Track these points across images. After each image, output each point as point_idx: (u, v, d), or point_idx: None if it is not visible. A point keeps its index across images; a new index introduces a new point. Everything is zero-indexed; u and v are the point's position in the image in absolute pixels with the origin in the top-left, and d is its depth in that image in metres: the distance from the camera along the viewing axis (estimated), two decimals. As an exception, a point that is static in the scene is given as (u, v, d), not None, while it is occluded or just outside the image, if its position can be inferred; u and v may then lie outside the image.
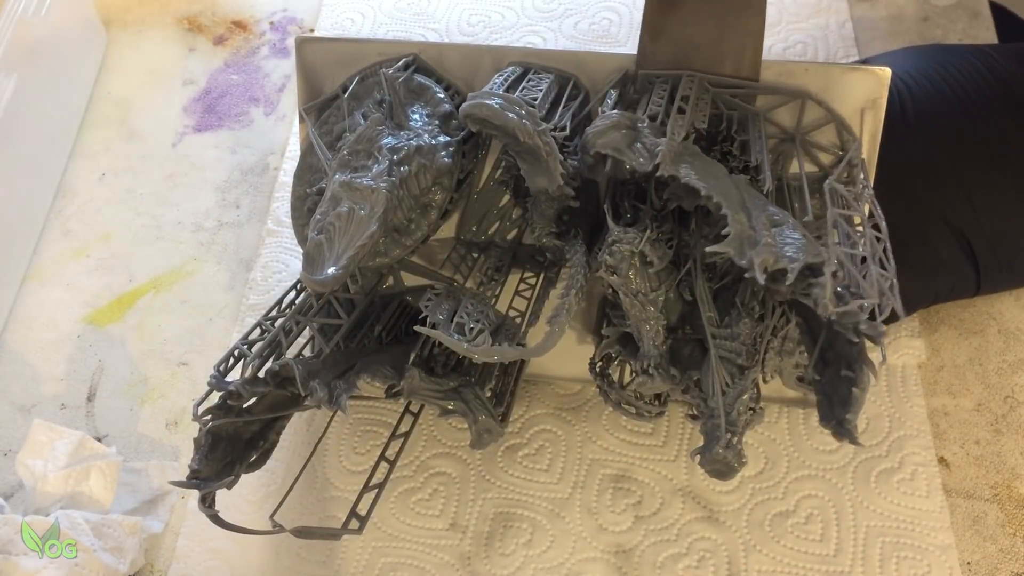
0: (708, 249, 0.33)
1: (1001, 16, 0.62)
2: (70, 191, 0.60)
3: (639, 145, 0.36)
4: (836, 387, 0.34)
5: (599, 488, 0.47)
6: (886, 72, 0.42)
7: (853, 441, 0.33)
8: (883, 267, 0.34)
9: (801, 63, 0.43)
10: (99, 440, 0.49)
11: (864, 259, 0.34)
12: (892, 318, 0.33)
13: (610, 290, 0.38)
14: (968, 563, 0.44)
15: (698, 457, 0.36)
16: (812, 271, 0.32)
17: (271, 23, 0.68)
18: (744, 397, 0.36)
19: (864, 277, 0.33)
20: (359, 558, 0.45)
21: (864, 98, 0.43)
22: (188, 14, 0.69)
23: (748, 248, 0.32)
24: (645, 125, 0.37)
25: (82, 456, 0.45)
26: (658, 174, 0.35)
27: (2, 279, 0.55)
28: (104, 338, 0.54)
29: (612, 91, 0.42)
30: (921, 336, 0.50)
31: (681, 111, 0.38)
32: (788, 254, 0.32)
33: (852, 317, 0.31)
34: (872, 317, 0.32)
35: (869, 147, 0.43)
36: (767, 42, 0.63)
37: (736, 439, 0.35)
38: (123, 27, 0.68)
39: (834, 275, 0.31)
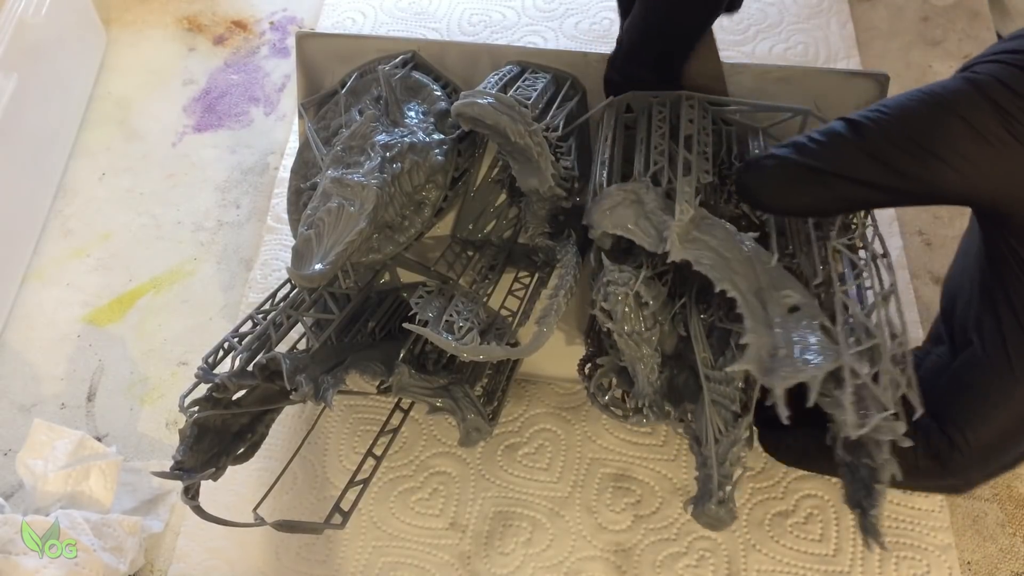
0: (729, 368, 0.32)
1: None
2: (70, 191, 0.60)
3: (645, 222, 0.35)
4: (858, 469, 0.32)
5: (599, 487, 0.47)
6: (885, 78, 0.42)
7: (877, 540, 0.31)
8: (900, 361, 0.32)
9: (801, 68, 0.43)
10: (99, 440, 0.49)
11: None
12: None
13: (606, 325, 0.37)
14: (968, 563, 0.44)
15: (691, 508, 0.35)
16: (828, 378, 0.31)
17: (271, 23, 0.68)
18: (736, 448, 0.34)
19: (876, 378, 0.31)
20: (359, 557, 0.45)
21: (864, 104, 0.42)
22: (188, 14, 0.69)
23: (768, 361, 0.31)
24: (650, 192, 0.35)
25: (82, 456, 0.45)
26: (668, 260, 0.34)
27: (2, 279, 0.55)
28: (104, 338, 0.54)
29: (607, 113, 0.41)
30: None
31: (687, 169, 0.36)
32: (809, 364, 0.31)
33: (877, 433, 0.30)
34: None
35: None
36: (768, 43, 0.63)
37: (729, 494, 0.34)
38: (123, 27, 0.68)
39: (854, 395, 0.30)
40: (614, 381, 0.40)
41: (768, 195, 0.33)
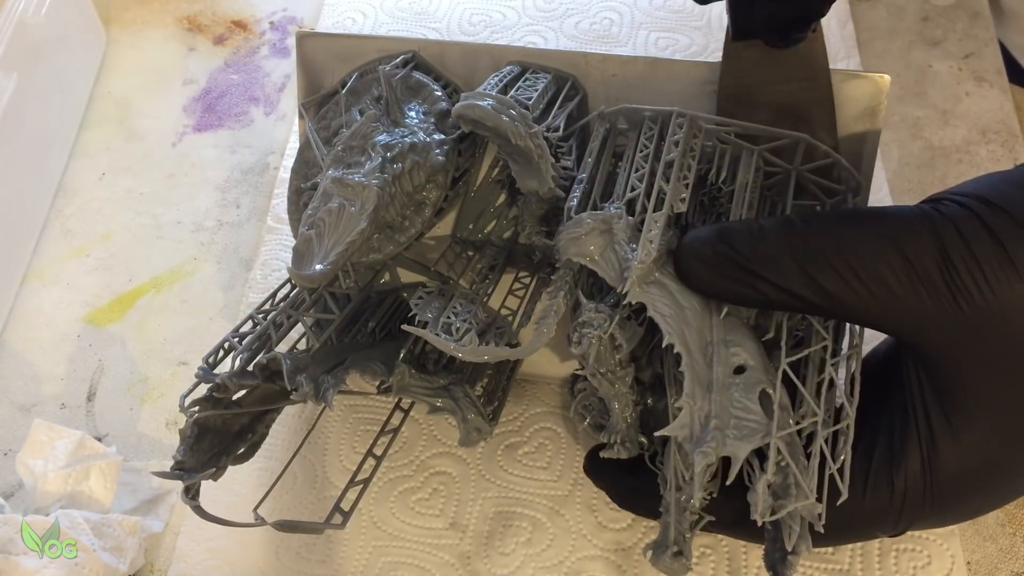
0: (657, 434, 0.33)
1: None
2: (70, 191, 0.60)
3: (611, 253, 0.34)
4: (776, 535, 0.33)
5: (599, 486, 0.47)
6: (885, 79, 0.42)
7: None
8: (841, 435, 0.33)
9: (801, 67, 0.43)
10: (99, 440, 0.49)
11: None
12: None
13: (580, 365, 0.37)
14: (968, 562, 0.44)
15: (649, 554, 0.35)
16: (755, 453, 0.31)
17: (271, 23, 0.68)
18: (697, 497, 0.33)
19: (808, 451, 0.32)
20: (359, 557, 0.45)
21: (863, 106, 0.42)
22: (188, 14, 0.69)
23: (699, 430, 0.31)
24: (622, 222, 0.34)
25: (82, 456, 0.45)
26: (624, 301, 0.33)
27: (2, 278, 0.55)
28: (104, 337, 0.54)
29: (600, 126, 0.41)
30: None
31: (660, 200, 0.35)
32: (730, 441, 0.31)
33: (786, 521, 0.31)
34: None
35: (867, 158, 0.43)
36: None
37: (685, 545, 0.34)
38: (123, 27, 0.68)
39: (769, 484, 0.31)
40: (594, 405, 0.40)
41: (696, 280, 0.33)
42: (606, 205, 0.36)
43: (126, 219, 0.59)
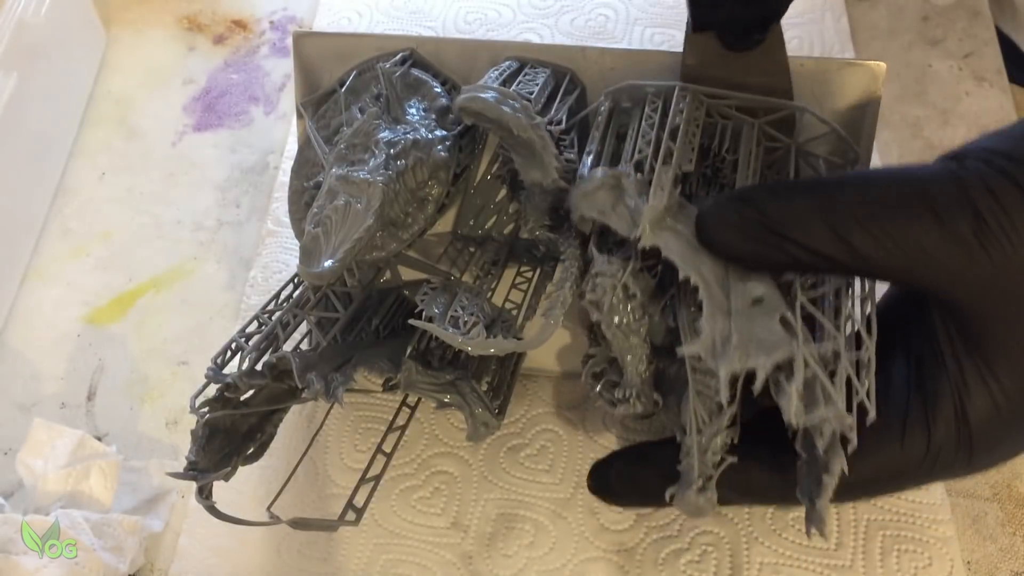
0: (680, 351, 0.33)
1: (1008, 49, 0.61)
2: (70, 190, 0.60)
3: (623, 207, 0.35)
4: (814, 462, 0.32)
5: (600, 486, 0.47)
6: (881, 67, 0.42)
7: (821, 531, 0.32)
8: (857, 368, 0.32)
9: (796, 58, 0.43)
10: (99, 439, 0.49)
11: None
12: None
13: (594, 316, 0.36)
14: (968, 562, 0.44)
15: (673, 496, 0.35)
16: (781, 368, 0.31)
17: (271, 22, 0.68)
18: (719, 439, 0.34)
19: (833, 376, 0.31)
20: (360, 554, 0.45)
21: (859, 93, 0.42)
22: (188, 13, 0.69)
23: (721, 347, 0.31)
24: (631, 179, 0.35)
25: (82, 455, 0.45)
26: (639, 245, 0.33)
27: (2, 278, 0.55)
28: (104, 337, 0.54)
29: (603, 104, 0.41)
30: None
31: (667, 159, 0.36)
32: (753, 352, 0.31)
33: (818, 426, 0.30)
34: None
35: (865, 145, 0.43)
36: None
37: (709, 483, 0.34)
38: (123, 26, 0.68)
39: (801, 388, 0.30)
40: (607, 369, 0.40)
41: (721, 243, 0.33)
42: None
43: (126, 219, 0.59)
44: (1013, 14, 0.62)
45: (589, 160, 0.38)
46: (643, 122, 0.38)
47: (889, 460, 0.33)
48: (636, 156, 0.37)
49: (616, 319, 0.36)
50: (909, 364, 0.33)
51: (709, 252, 0.33)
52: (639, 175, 0.35)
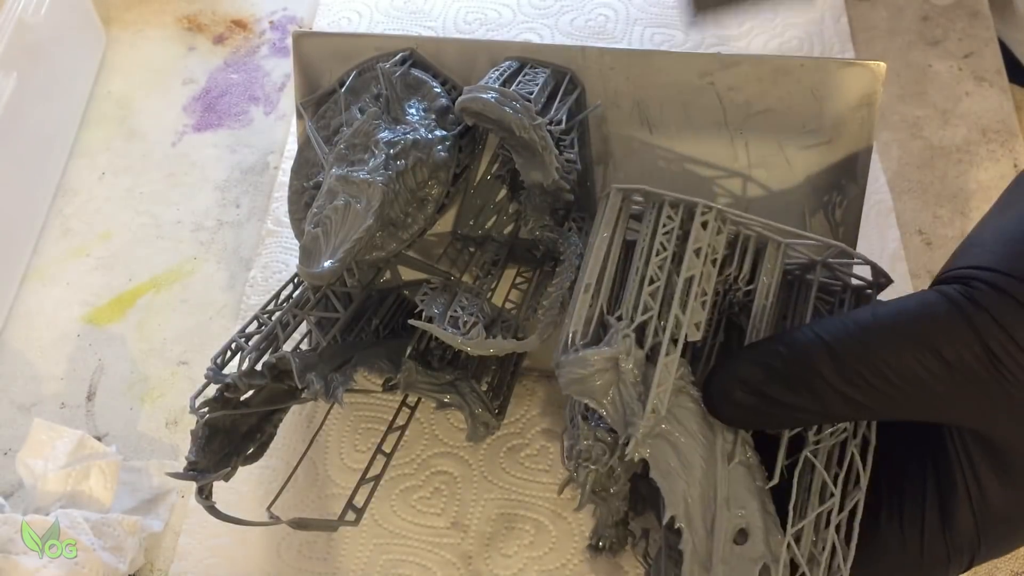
0: None
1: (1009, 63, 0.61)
2: (70, 190, 0.60)
3: (617, 395, 0.32)
4: None
5: (600, 486, 0.47)
6: (881, 67, 0.42)
7: None
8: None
9: (796, 58, 0.43)
10: (99, 439, 0.49)
11: None
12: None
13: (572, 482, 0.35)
14: (970, 560, 0.44)
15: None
16: None
17: (271, 22, 0.68)
18: None
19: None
20: (360, 554, 0.45)
21: (859, 94, 0.43)
22: (188, 13, 0.69)
23: None
24: (628, 361, 0.32)
25: (82, 455, 0.45)
26: (626, 457, 0.31)
27: (2, 278, 0.55)
28: (104, 337, 0.54)
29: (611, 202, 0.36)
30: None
31: (673, 340, 0.32)
32: None
33: None
34: None
35: (864, 146, 0.43)
36: (763, 38, 0.63)
37: None
38: (123, 26, 0.68)
39: None
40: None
41: (729, 421, 0.32)
42: (612, 320, 0.33)
43: (126, 219, 0.59)
44: (1007, 15, 0.62)
45: (584, 307, 0.34)
46: (653, 255, 0.34)
47: (913, 568, 0.32)
48: (640, 316, 0.33)
49: (593, 487, 0.34)
50: (924, 465, 0.32)
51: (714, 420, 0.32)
52: (639, 351, 0.32)
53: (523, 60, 0.44)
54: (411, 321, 0.35)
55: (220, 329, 0.54)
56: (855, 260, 0.36)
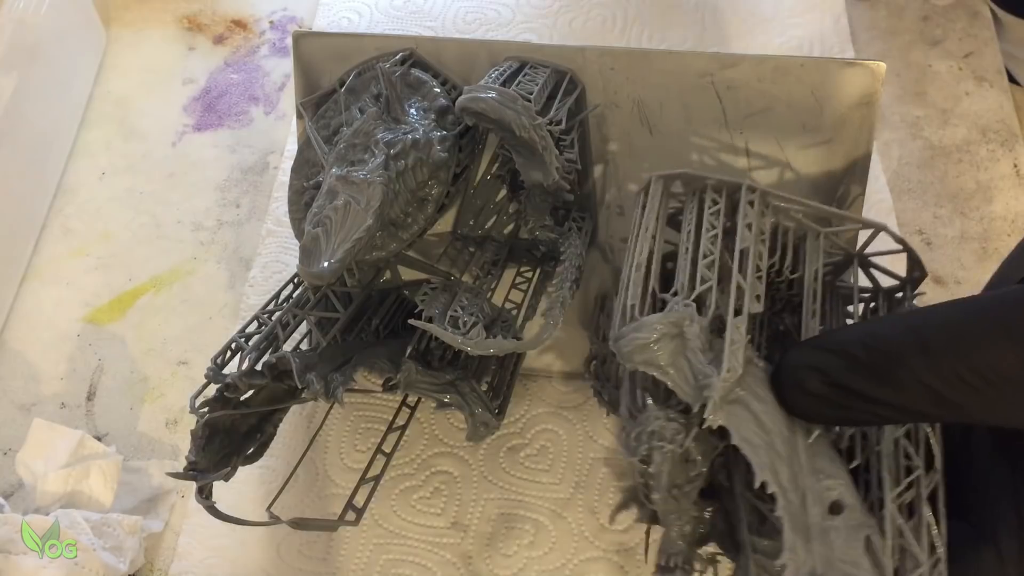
0: None
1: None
2: (70, 190, 0.60)
3: (684, 363, 0.29)
4: None
5: (600, 487, 0.46)
6: (881, 67, 0.42)
7: None
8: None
9: (796, 58, 0.43)
10: (99, 439, 0.49)
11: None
12: None
13: (642, 480, 0.31)
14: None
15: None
16: None
17: (271, 22, 0.68)
18: None
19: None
20: (360, 554, 0.45)
21: (859, 94, 0.42)
22: (188, 13, 0.69)
23: None
24: (694, 325, 0.30)
25: (82, 455, 0.45)
26: (704, 424, 0.29)
27: (2, 278, 0.55)
28: (104, 337, 0.54)
29: (653, 189, 0.35)
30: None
31: (739, 302, 0.31)
32: None
33: None
34: None
35: (864, 146, 0.43)
36: (762, 38, 0.63)
37: None
38: (123, 26, 0.68)
39: None
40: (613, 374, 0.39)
41: (803, 413, 0.30)
42: (668, 297, 0.32)
43: (126, 219, 0.59)
44: (998, 25, 0.62)
45: (638, 287, 0.32)
46: (704, 232, 0.33)
47: (984, 568, 0.30)
48: (699, 286, 0.32)
49: (666, 481, 0.31)
50: (1013, 481, 0.31)
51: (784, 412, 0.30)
52: (702, 319, 0.30)
53: (523, 60, 0.44)
54: (411, 321, 0.35)
55: (220, 329, 0.54)
56: (897, 249, 0.35)
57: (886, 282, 0.37)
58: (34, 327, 0.55)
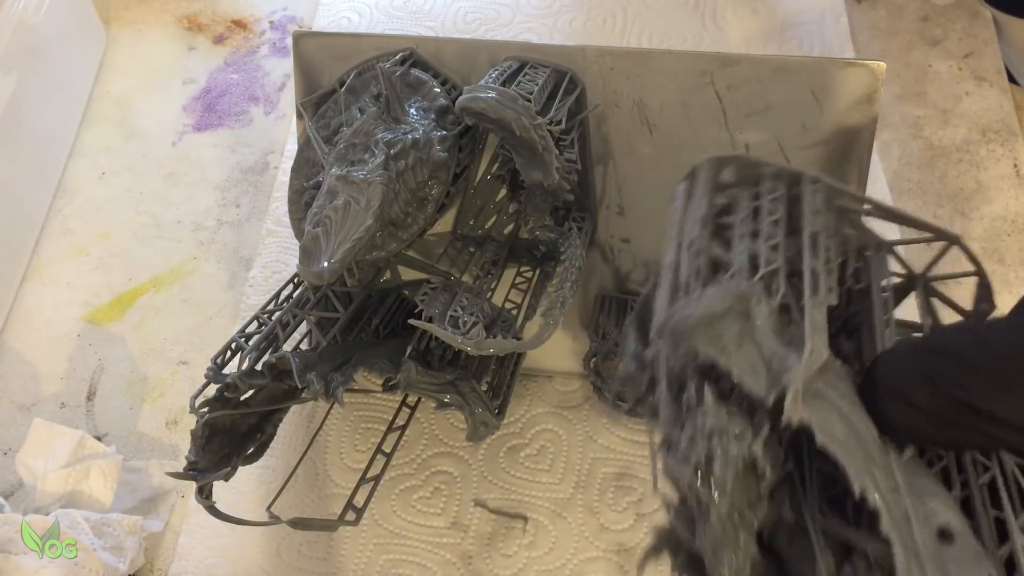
0: None
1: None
2: (70, 190, 0.60)
3: (752, 349, 0.25)
4: None
5: (600, 487, 0.46)
6: (881, 67, 0.42)
7: None
8: None
9: (796, 58, 0.43)
10: (99, 439, 0.49)
11: None
12: None
13: (697, 497, 0.25)
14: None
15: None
16: None
17: (271, 22, 0.68)
18: None
19: None
20: (360, 554, 0.45)
21: (859, 94, 0.43)
22: (188, 13, 0.69)
23: None
24: (761, 307, 0.25)
25: (82, 455, 0.45)
26: (783, 423, 0.23)
27: (2, 278, 0.55)
28: (104, 337, 0.54)
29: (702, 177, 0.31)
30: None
31: (814, 284, 0.26)
32: None
33: None
34: None
35: (864, 146, 0.43)
36: (763, 38, 0.63)
37: None
38: (123, 26, 0.68)
39: None
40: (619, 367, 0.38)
41: (907, 433, 0.25)
42: (723, 277, 0.28)
43: (126, 218, 0.59)
44: (996, 26, 0.62)
45: (690, 264, 0.28)
46: (764, 217, 0.29)
47: None
48: (764, 267, 0.27)
49: (731, 506, 0.24)
50: None
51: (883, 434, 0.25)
52: (771, 301, 0.26)
53: (523, 60, 0.44)
54: (411, 321, 0.35)
55: (220, 329, 0.54)
56: (967, 271, 0.30)
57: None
58: (34, 327, 0.55)
